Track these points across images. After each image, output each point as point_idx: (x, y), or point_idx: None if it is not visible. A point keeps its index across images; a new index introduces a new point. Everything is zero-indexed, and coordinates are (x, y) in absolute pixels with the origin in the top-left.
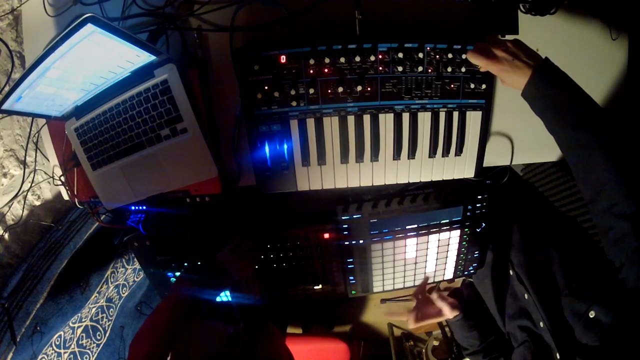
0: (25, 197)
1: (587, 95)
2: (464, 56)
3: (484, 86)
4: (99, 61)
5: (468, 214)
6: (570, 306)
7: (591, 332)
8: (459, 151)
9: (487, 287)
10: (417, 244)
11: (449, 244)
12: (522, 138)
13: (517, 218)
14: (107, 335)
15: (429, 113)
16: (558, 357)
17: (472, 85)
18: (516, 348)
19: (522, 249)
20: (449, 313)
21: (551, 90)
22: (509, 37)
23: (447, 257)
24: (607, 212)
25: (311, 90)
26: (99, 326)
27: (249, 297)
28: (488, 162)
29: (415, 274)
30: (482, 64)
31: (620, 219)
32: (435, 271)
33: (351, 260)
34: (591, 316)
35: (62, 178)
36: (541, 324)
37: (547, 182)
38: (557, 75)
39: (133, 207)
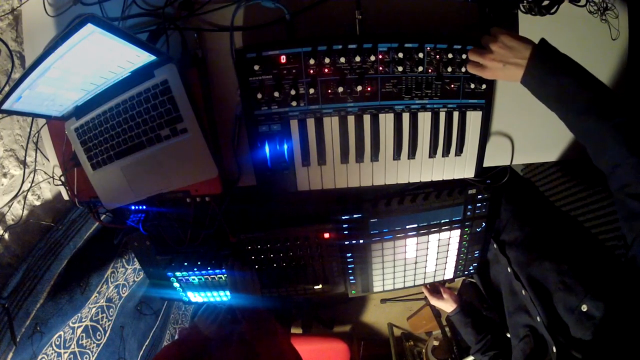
0: (25, 197)
1: (588, 77)
2: (464, 56)
3: (484, 86)
4: (99, 61)
5: (468, 214)
6: (563, 301)
7: (584, 326)
8: (459, 151)
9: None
10: (417, 243)
11: (449, 244)
12: (522, 138)
13: (514, 215)
14: (107, 335)
15: (429, 113)
16: (554, 350)
17: (472, 85)
18: (517, 344)
19: (518, 246)
20: (449, 305)
21: (549, 79)
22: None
23: (447, 257)
24: (620, 191)
25: (311, 90)
26: (99, 326)
27: (250, 297)
28: (488, 162)
29: (415, 274)
30: (479, 74)
31: (633, 199)
32: (435, 271)
33: (351, 260)
34: (584, 310)
35: (62, 178)
36: (538, 318)
37: (547, 182)
38: (553, 62)
39: (133, 207)
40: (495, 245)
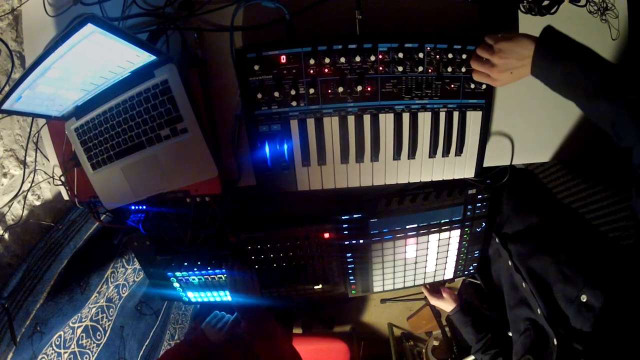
0: (25, 197)
1: (594, 59)
2: (464, 56)
3: (484, 86)
4: (99, 61)
5: (468, 213)
6: (563, 292)
7: (584, 317)
8: (459, 151)
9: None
10: (417, 243)
11: (449, 244)
12: (522, 138)
13: (515, 208)
14: (107, 335)
15: (429, 113)
16: (555, 343)
17: (472, 85)
18: (518, 338)
19: (519, 238)
20: (449, 304)
21: (555, 68)
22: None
23: (447, 257)
24: (638, 168)
25: (311, 90)
26: (99, 326)
27: (249, 297)
28: (488, 162)
29: (415, 274)
30: (489, 83)
31: None
32: (435, 271)
33: (351, 260)
34: (583, 300)
35: (62, 178)
36: (538, 311)
37: (548, 181)
38: (557, 51)
39: (133, 207)
40: (497, 240)
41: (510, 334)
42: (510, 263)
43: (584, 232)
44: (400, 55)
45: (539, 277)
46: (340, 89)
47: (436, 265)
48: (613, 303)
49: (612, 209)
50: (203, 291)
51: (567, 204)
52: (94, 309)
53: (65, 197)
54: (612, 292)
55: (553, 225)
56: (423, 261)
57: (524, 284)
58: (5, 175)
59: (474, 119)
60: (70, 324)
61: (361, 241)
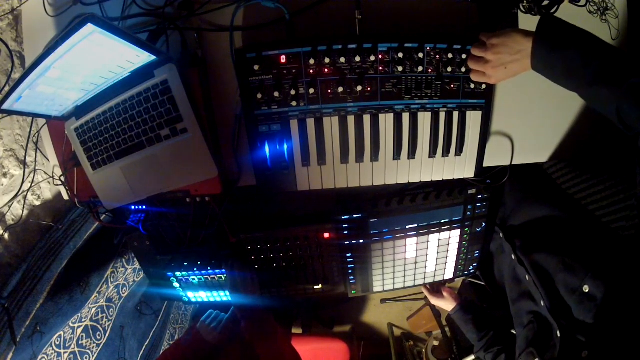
0: (25, 197)
1: (594, 44)
2: (464, 56)
3: (484, 86)
4: (99, 61)
5: (468, 213)
6: (565, 282)
7: (586, 307)
8: (459, 151)
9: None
10: (417, 243)
11: (449, 244)
12: (522, 138)
13: (519, 202)
14: (107, 335)
15: (429, 113)
16: (558, 334)
17: (472, 85)
18: (521, 332)
19: (522, 231)
20: (449, 304)
21: (554, 57)
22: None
23: (447, 257)
24: None
25: (311, 90)
26: (99, 326)
27: (249, 297)
28: (488, 162)
29: (415, 274)
30: (487, 81)
31: None
32: (435, 271)
33: (351, 260)
34: (585, 290)
35: (62, 178)
36: (542, 302)
37: (552, 173)
38: (555, 40)
39: (133, 207)
40: (501, 234)
41: (513, 331)
42: (513, 257)
43: (586, 223)
44: (400, 55)
45: (542, 268)
46: (340, 89)
47: (436, 265)
48: (615, 294)
49: (615, 205)
50: (203, 291)
51: (570, 195)
52: (94, 309)
53: (65, 197)
54: (614, 282)
55: (557, 216)
56: (423, 261)
57: (527, 277)
58: (5, 175)
59: (473, 119)
60: (70, 324)
61: (361, 241)
